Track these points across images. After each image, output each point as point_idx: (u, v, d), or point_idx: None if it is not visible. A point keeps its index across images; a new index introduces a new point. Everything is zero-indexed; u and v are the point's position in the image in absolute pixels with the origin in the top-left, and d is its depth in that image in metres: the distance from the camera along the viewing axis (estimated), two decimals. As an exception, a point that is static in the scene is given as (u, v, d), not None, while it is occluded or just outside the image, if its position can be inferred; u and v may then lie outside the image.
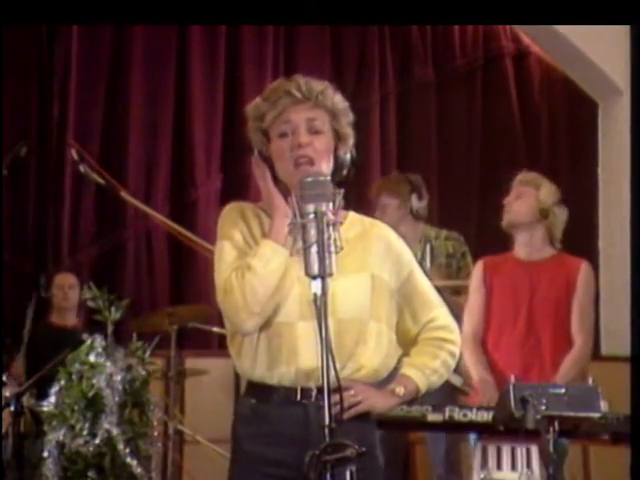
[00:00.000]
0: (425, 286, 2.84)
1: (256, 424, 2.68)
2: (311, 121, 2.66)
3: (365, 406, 2.66)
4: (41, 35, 7.48)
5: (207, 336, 6.89)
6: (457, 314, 2.99)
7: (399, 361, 2.80)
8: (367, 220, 2.85)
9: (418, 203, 5.64)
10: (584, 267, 4.63)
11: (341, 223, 2.58)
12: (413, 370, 2.77)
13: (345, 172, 2.73)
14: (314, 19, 6.25)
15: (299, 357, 2.61)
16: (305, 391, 2.61)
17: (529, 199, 4.59)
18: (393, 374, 2.78)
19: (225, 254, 2.67)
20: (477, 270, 4.74)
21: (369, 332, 2.67)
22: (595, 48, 8.30)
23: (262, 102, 2.70)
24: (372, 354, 2.68)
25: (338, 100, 2.71)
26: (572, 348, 4.51)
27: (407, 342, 2.82)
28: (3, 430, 3.98)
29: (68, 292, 6.52)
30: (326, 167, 2.65)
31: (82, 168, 6.70)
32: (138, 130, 7.71)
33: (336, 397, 2.38)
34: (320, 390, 2.34)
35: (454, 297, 4.94)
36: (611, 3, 5.15)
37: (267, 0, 6.13)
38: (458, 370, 4.84)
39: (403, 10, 6.18)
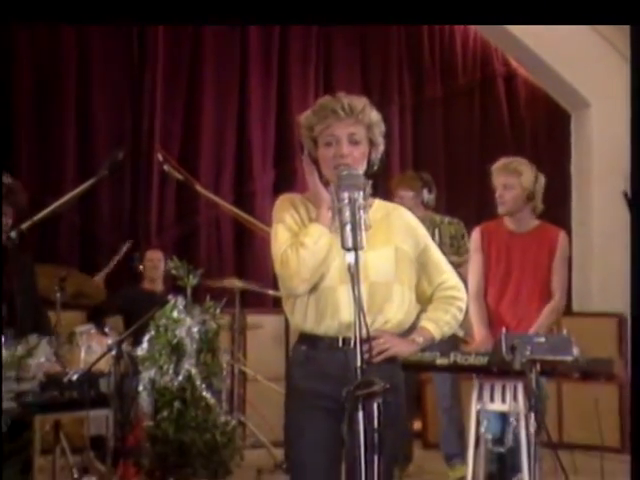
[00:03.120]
0: (437, 255, 2.84)
1: (306, 366, 2.68)
2: (352, 135, 2.64)
3: (392, 352, 2.66)
4: (133, 59, 7.53)
5: (263, 297, 6.91)
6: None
7: (418, 316, 2.80)
8: (390, 205, 2.84)
9: (428, 195, 5.65)
10: (561, 236, 4.55)
11: (370, 206, 2.58)
12: (429, 323, 2.78)
13: (375, 168, 2.72)
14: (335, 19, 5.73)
15: (341, 313, 2.61)
16: (345, 340, 2.61)
17: (516, 190, 4.48)
18: (413, 326, 2.78)
19: (279, 234, 2.67)
20: (475, 236, 4.66)
21: (394, 293, 2.67)
22: (568, 69, 8.25)
23: (312, 115, 2.68)
24: (397, 310, 2.68)
25: (374, 115, 2.69)
26: (551, 301, 4.48)
27: (424, 300, 2.82)
28: (107, 370, 4.00)
29: (157, 264, 6.55)
30: (361, 169, 2.64)
31: (166, 167, 6.73)
32: (208, 136, 7.72)
33: (367, 345, 2.37)
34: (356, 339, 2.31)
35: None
36: (611, 3, 4.41)
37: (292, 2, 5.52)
38: (461, 324, 4.83)
39: (406, 10, 5.57)
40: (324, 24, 7.66)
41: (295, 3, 5.38)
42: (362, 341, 2.29)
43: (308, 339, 2.69)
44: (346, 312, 2.58)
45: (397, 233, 2.74)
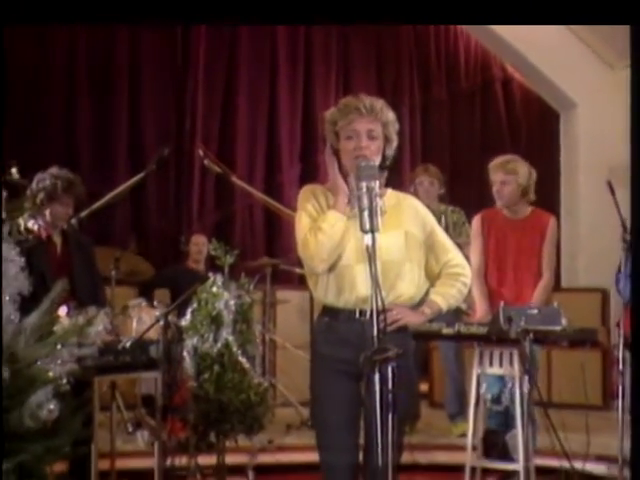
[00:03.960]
0: (443, 237, 2.85)
1: (328, 334, 2.70)
2: (370, 131, 2.65)
3: (403, 322, 2.68)
4: (177, 62, 7.53)
5: (291, 275, 6.92)
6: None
7: (427, 290, 2.81)
8: (401, 194, 2.85)
9: (443, 190, 5.65)
10: (552, 221, 4.54)
11: (384, 195, 2.61)
12: (437, 296, 2.79)
13: (388, 163, 2.73)
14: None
15: (357, 288, 2.63)
16: (362, 312, 2.62)
17: (512, 186, 4.45)
18: (423, 300, 2.79)
19: (302, 220, 2.69)
20: (476, 222, 4.65)
21: (405, 270, 2.69)
22: (557, 74, 8.20)
23: (336, 112, 2.69)
24: (407, 285, 2.69)
25: (390, 115, 2.70)
26: (541, 280, 4.47)
27: (432, 277, 2.82)
28: (156, 338, 4.02)
29: (202, 248, 6.54)
30: (377, 161, 2.64)
31: (206, 162, 6.71)
32: (243, 133, 7.74)
33: (382, 316, 2.38)
34: (372, 311, 2.33)
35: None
36: (611, 3, 3.94)
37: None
38: (464, 299, 4.81)
39: (410, 10, 5.01)
40: (329, 23, 7.49)
41: (304, 3, 5.15)
42: (378, 312, 2.29)
43: (330, 311, 2.71)
44: (362, 287, 2.60)
45: (407, 219, 2.75)
